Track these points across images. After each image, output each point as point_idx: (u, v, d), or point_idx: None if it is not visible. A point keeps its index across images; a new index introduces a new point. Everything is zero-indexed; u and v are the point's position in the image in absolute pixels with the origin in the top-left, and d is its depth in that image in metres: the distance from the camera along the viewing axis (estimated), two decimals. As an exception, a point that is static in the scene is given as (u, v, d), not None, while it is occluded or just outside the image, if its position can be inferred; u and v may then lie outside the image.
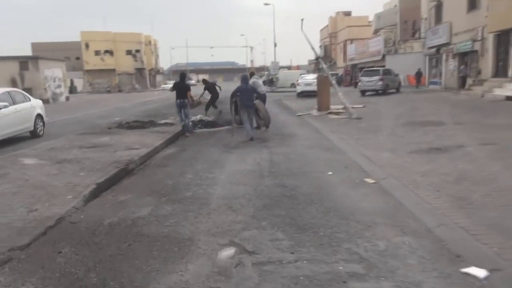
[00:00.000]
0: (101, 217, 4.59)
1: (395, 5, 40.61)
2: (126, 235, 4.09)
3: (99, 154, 7.77)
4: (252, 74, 12.69)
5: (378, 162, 6.99)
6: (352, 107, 14.77)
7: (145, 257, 3.56)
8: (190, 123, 11.85)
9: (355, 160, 7.32)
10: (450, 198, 4.76)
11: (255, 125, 10.84)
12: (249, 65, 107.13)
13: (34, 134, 12.05)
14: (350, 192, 5.39)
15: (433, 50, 27.47)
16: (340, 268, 3.27)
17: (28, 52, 56.74)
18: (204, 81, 17.25)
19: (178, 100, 11.40)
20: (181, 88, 11.45)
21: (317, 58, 19.29)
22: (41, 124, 12.65)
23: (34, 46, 62.96)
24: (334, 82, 16.32)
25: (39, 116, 12.56)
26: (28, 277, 3.21)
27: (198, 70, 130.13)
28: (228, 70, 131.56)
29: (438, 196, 4.89)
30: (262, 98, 12.16)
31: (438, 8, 26.90)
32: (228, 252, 3.61)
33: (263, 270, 3.27)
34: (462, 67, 23.03)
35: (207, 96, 16.37)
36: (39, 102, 13.52)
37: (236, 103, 10.85)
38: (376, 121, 12.45)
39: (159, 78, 79.17)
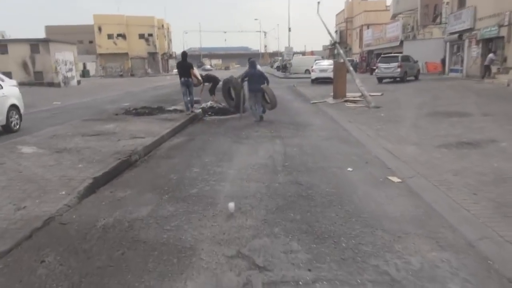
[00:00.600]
0: (95, 218, 4.12)
1: (415, -11, 39.10)
2: (121, 240, 3.61)
3: (101, 143, 7.31)
4: (251, 60, 11.91)
5: (402, 157, 6.37)
6: (370, 95, 14.05)
7: (139, 271, 3.07)
8: (194, 104, 12.18)
9: (376, 155, 6.71)
10: (491, 204, 4.15)
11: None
12: (262, 50, 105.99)
13: (7, 129, 10.01)
14: (374, 193, 4.81)
15: (455, 36, 26.23)
16: (368, 293, 2.73)
17: (42, 35, 56.63)
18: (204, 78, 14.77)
19: (183, 79, 11.54)
20: (185, 67, 11.59)
21: (334, 43, 18.50)
22: (16, 117, 10.51)
23: (48, 29, 62.84)
24: (351, 68, 15.55)
25: (13, 106, 10.39)
26: (1, 295, 2.76)
27: (211, 55, 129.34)
28: (242, 55, 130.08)
29: (476, 200, 4.29)
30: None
31: (462, -8, 25.57)
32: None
33: (275, 293, 2.75)
34: (491, 55, 21.83)
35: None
36: (15, 90, 11.43)
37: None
38: (396, 111, 11.73)
39: (171, 62, 78.52)
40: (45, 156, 6.35)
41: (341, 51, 16.96)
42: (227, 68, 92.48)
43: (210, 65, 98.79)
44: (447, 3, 28.75)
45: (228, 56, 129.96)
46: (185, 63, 11.80)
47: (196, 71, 12.60)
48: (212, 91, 14.36)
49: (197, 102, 13.41)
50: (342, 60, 16.99)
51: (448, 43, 28.61)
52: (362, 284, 2.84)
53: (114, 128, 8.94)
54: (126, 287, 2.86)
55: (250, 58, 12.18)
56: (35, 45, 29.09)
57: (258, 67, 12.06)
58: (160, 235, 3.70)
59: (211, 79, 14.25)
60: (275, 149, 7.36)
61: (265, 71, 23.78)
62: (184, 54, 12.65)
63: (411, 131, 8.61)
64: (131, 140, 7.50)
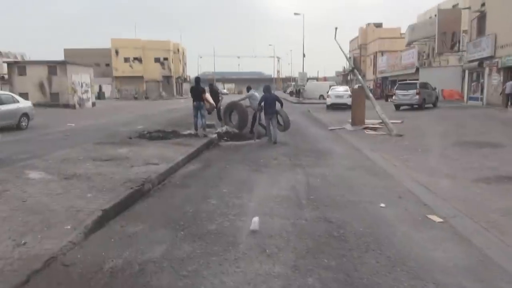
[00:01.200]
0: (102, 258, 3.64)
1: (430, 17, 38.99)
2: (130, 289, 3.12)
3: (113, 169, 6.90)
4: (249, 88, 13.49)
5: (438, 192, 5.83)
6: (391, 123, 13.54)
7: (151, 332, 2.56)
8: (207, 128, 12.71)
9: (408, 188, 6.16)
10: (559, 254, 3.57)
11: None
12: (275, 75, 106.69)
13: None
14: (415, 235, 4.26)
15: (475, 64, 25.77)
16: None
17: (61, 57, 57.84)
18: (210, 86, 15.59)
19: (195, 102, 12.38)
20: (197, 92, 12.46)
21: (352, 70, 18.16)
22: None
23: (67, 52, 64.22)
24: (370, 95, 15.12)
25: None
26: None
27: (224, 79, 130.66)
28: (255, 80, 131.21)
29: (538, 248, 3.71)
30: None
31: (481, 20, 25.27)
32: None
33: None
34: (511, 82, 21.25)
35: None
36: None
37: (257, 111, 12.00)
38: (420, 140, 11.18)
39: (186, 86, 79.37)
40: (53, 182, 5.95)
41: (360, 77, 16.60)
42: (240, 93, 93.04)
43: (224, 88, 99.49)
44: (465, 31, 28.45)
45: (241, 80, 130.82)
46: (198, 87, 12.56)
47: (208, 96, 13.04)
48: (219, 115, 14.21)
49: (211, 126, 13.44)
50: (359, 86, 16.62)
51: (467, 71, 28.14)
52: None
53: (127, 153, 8.56)
54: None
55: (265, 84, 13.61)
56: (52, 67, 29.43)
57: (253, 92, 13.24)
58: (175, 283, 3.20)
59: (214, 96, 13.88)
60: (297, 179, 6.86)
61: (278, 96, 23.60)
62: (197, 79, 13.46)
63: (442, 162, 8.06)
64: (144, 167, 7.08)
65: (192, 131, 12.25)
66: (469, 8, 27.13)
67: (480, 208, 5.01)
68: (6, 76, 36.51)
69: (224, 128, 12.89)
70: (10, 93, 16.53)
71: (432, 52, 37.35)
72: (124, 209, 5.08)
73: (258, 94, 13.06)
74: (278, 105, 11.72)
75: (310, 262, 3.58)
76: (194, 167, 7.99)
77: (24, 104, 16.01)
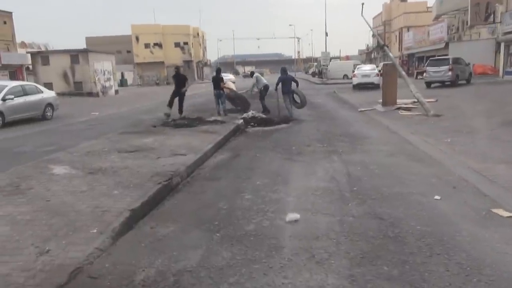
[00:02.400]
0: (133, 268, 3.26)
1: (461, -12, 36.89)
2: (165, 307, 2.72)
3: (139, 161, 6.55)
4: (252, 73, 14.43)
5: (498, 180, 5.20)
6: (427, 102, 12.72)
7: None
8: (224, 109, 13.76)
9: (462, 176, 5.56)
10: None
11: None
12: (296, 56, 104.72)
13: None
14: (483, 234, 3.70)
15: (511, 35, 24.18)
16: None
17: (83, 46, 58.28)
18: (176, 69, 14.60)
19: (215, 91, 13.69)
20: (217, 81, 13.68)
21: (382, 46, 17.21)
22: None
23: (88, 40, 64.58)
24: (403, 73, 14.25)
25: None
26: None
27: (244, 62, 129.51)
28: (275, 62, 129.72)
29: None
30: (266, 88, 13.71)
31: (519, -12, 23.55)
32: None
33: None
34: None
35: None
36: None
37: (261, 92, 13.67)
38: (462, 120, 10.39)
39: (206, 70, 78.99)
40: (77, 178, 5.63)
41: (391, 54, 15.69)
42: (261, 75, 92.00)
43: (244, 72, 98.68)
44: (500, 1, 26.66)
45: (261, 63, 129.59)
46: (218, 77, 13.86)
47: (231, 84, 15.29)
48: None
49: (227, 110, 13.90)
50: (390, 64, 15.72)
51: (502, 44, 26.49)
52: None
53: (152, 143, 8.21)
54: None
55: (282, 66, 14.46)
56: (75, 55, 29.42)
57: (257, 75, 14.51)
58: (217, 299, 2.79)
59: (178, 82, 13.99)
60: (335, 168, 6.34)
61: (300, 77, 23.35)
62: (218, 69, 14.79)
63: (492, 144, 7.35)
64: (171, 158, 6.70)
65: (218, 117, 11.89)
66: (505, -24, 25.32)
67: (553, 200, 4.39)
68: (31, 67, 37.05)
69: (250, 113, 12.40)
70: (34, 84, 16.45)
71: (462, 25, 35.46)
72: (153, 207, 4.70)
73: (262, 77, 14.58)
74: (294, 84, 13.00)
75: (368, 271, 3.10)
76: (223, 156, 7.57)
77: (48, 94, 15.88)
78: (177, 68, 14.58)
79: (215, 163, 7.02)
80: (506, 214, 4.15)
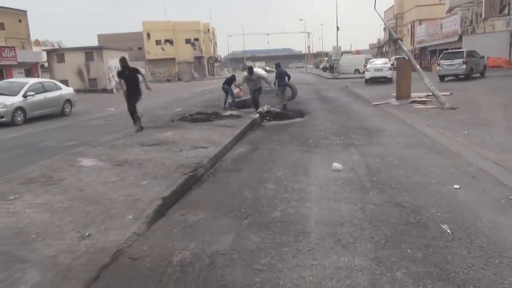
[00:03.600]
0: (169, 251, 3.47)
1: (475, -21, 36.39)
2: (205, 284, 2.92)
3: (162, 154, 6.78)
4: (251, 68, 14.02)
5: (516, 170, 5.29)
6: (442, 95, 12.73)
7: (237, 336, 2.35)
8: (230, 103, 15.05)
9: (480, 167, 5.65)
10: None
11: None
12: (306, 51, 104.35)
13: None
14: (503, 220, 3.83)
15: (527, 27, 23.85)
16: None
17: (95, 43, 58.93)
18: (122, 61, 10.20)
19: (224, 86, 15.38)
20: (229, 81, 15.67)
21: (396, 40, 17.16)
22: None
23: (100, 37, 65.25)
24: (418, 66, 14.24)
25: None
26: None
27: (254, 57, 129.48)
28: (285, 57, 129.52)
29: None
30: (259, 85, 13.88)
31: (535, -21, 23.21)
32: None
33: None
34: None
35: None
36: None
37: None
38: (477, 113, 10.41)
39: (216, 66, 79.26)
40: (106, 170, 5.87)
41: (405, 48, 15.66)
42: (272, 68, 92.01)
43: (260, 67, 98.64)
44: (516, -8, 26.29)
45: (271, 58, 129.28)
46: (231, 78, 15.96)
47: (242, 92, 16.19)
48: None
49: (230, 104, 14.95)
50: (403, 58, 15.72)
51: (518, 36, 26.14)
52: None
53: (173, 137, 8.43)
54: None
55: (277, 62, 16.07)
56: (89, 53, 29.91)
57: (256, 70, 14.79)
58: (251, 278, 2.98)
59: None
60: (354, 160, 6.47)
61: (311, 72, 24.17)
62: (233, 76, 16.49)
63: (510, 136, 7.41)
64: (193, 151, 6.91)
65: (234, 112, 12.13)
66: (520, -33, 24.96)
67: None
68: (46, 64, 37.64)
69: (265, 108, 12.57)
70: (53, 81, 16.81)
71: (476, 17, 35.02)
72: (181, 196, 4.91)
73: (261, 71, 15.47)
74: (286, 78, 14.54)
75: (393, 253, 3.26)
76: (242, 149, 7.75)
77: (66, 91, 16.29)
78: (122, 60, 9.83)
79: (235, 156, 7.21)
80: (525, 201, 4.26)
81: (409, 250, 3.31)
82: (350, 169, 5.91)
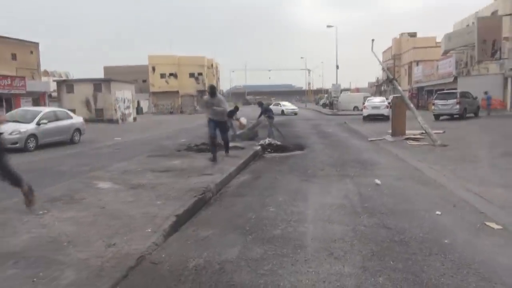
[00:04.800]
0: (185, 258, 4.01)
1: (468, 25, 38.17)
2: (216, 284, 3.45)
3: (172, 179, 7.37)
4: (213, 89, 10.01)
5: (493, 200, 5.88)
6: (435, 133, 13.46)
7: (245, 320, 2.88)
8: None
9: (462, 197, 6.24)
10: None
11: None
12: (306, 87, 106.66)
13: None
14: (476, 241, 4.39)
15: (517, 71, 25.05)
16: None
17: (101, 75, 60.64)
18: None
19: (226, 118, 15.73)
20: (230, 113, 14.80)
21: (391, 80, 18.15)
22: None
23: (106, 69, 67.18)
24: (411, 105, 15.08)
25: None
26: None
27: (255, 92, 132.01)
28: (285, 93, 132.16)
29: None
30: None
31: (523, 26, 24.61)
32: None
33: None
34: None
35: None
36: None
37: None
38: (466, 150, 11.09)
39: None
40: (122, 192, 6.45)
41: (399, 88, 16.58)
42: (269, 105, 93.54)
43: (254, 102, 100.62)
44: (506, 38, 27.75)
45: (272, 93, 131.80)
46: (231, 110, 15.27)
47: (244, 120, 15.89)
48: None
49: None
50: (399, 97, 16.59)
51: (509, 79, 27.35)
52: None
53: (180, 164, 9.05)
54: (236, 338, 2.67)
55: (260, 101, 18.88)
56: (98, 84, 31.08)
57: (220, 95, 15.29)
58: (256, 280, 3.51)
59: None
60: (348, 188, 7.07)
61: (311, 108, 25.79)
62: (236, 107, 16.45)
63: (492, 172, 8.03)
64: (200, 177, 7.51)
65: (237, 144, 12.80)
66: (510, 14, 26.50)
67: (539, 216, 5.05)
68: (53, 94, 38.79)
69: (267, 141, 13.26)
70: (65, 110, 17.60)
71: (470, 60, 36.50)
72: (192, 215, 5.47)
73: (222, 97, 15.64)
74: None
75: (377, 264, 3.80)
76: (245, 177, 8.35)
77: (76, 120, 17.05)
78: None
79: (239, 183, 7.80)
80: (497, 226, 4.82)
81: (391, 262, 3.85)
82: (344, 196, 6.49)
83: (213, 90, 9.84)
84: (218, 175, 7.66)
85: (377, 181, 7.40)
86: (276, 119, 18.41)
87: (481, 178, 7.40)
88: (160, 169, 8.53)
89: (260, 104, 17.39)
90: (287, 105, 45.22)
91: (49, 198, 6.12)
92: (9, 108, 31.13)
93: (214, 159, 9.33)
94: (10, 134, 13.27)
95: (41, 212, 5.30)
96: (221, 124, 9.85)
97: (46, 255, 3.96)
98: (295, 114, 41.79)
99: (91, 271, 3.58)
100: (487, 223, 4.93)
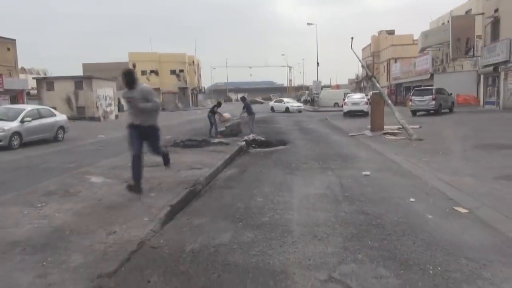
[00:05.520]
0: (182, 243, 4.35)
1: (443, 23, 39.40)
2: (213, 264, 3.81)
3: (163, 173, 7.66)
4: (130, 76, 7.43)
5: (462, 188, 6.42)
6: (411, 128, 14.09)
7: (241, 292, 3.25)
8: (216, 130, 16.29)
9: (434, 186, 6.76)
10: None
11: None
12: (287, 84, 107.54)
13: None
14: (444, 223, 4.87)
15: (490, 68, 26.14)
16: (473, 317, 2.80)
17: (79, 72, 59.75)
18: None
19: (209, 113, 16.98)
20: (212, 109, 17.18)
21: (370, 77, 18.75)
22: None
23: (85, 66, 66.22)
24: (389, 101, 15.71)
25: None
26: (123, 310, 2.98)
27: (237, 89, 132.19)
28: (266, 90, 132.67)
29: (555, 231, 4.29)
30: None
31: (495, 25, 25.72)
32: None
33: (380, 315, 2.86)
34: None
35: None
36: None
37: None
38: (440, 143, 11.73)
39: (200, 97, 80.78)
40: (115, 185, 6.72)
41: (378, 85, 17.20)
42: (253, 102, 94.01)
43: (236, 99, 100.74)
44: (479, 36, 28.85)
45: (253, 90, 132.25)
46: (213, 108, 17.32)
47: (227, 114, 18.05)
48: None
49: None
50: (377, 93, 17.21)
51: (482, 76, 28.47)
52: (464, 309, 2.91)
53: (169, 160, 9.31)
54: (234, 306, 3.03)
55: (242, 96, 19.40)
56: (79, 82, 30.80)
57: (144, 86, 16.95)
58: (248, 260, 3.88)
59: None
60: (330, 180, 7.51)
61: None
62: (218, 103, 17.97)
63: (463, 163, 8.61)
64: (190, 171, 7.83)
65: (222, 139, 13.13)
66: (482, 14, 27.59)
67: (502, 201, 5.58)
68: (31, 92, 38.16)
69: (251, 136, 13.63)
70: (48, 107, 17.51)
71: (446, 57, 37.72)
72: (184, 206, 5.80)
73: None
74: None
75: (356, 244, 4.23)
76: (232, 171, 8.71)
77: (60, 118, 17.02)
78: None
79: (226, 176, 8.15)
80: (464, 210, 5.33)
81: (369, 242, 4.28)
82: (327, 187, 6.93)
83: (130, 78, 6.10)
84: (206, 169, 8.00)
85: (366, 173, 7.91)
86: (280, 115, 18.99)
87: (452, 169, 7.96)
88: (149, 164, 8.74)
89: (243, 99, 18.03)
90: (291, 102, 42.33)
91: (44, 192, 6.34)
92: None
93: (136, 189, 5.94)
94: (-6, 132, 13.26)
95: (39, 205, 5.53)
96: (148, 131, 6.30)
97: (50, 242, 4.23)
98: (300, 112, 38.79)
99: (97, 255, 3.88)
100: (456, 208, 5.44)
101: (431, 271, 3.54)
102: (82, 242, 4.23)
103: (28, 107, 16.01)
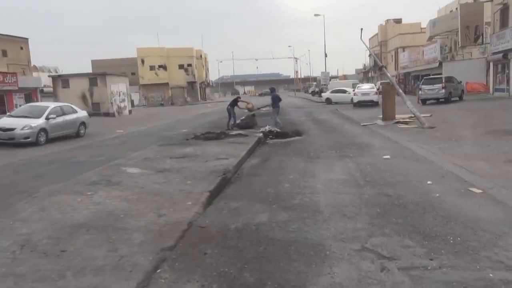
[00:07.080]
0: (225, 223, 4.87)
1: (451, 11, 39.33)
2: (258, 239, 4.32)
3: (192, 164, 8.19)
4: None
5: (476, 171, 6.85)
6: (422, 116, 14.46)
7: (287, 260, 3.76)
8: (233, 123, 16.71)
9: (449, 170, 7.21)
10: None
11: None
12: (294, 76, 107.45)
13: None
14: (461, 202, 5.34)
15: (499, 55, 26.23)
16: (491, 275, 3.28)
17: (88, 69, 60.54)
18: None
19: (229, 107, 17.15)
20: (233, 102, 17.50)
21: (381, 68, 19.08)
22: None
23: (94, 63, 66.96)
24: (400, 90, 16.06)
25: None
26: (190, 275, 3.50)
27: (244, 82, 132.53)
28: (273, 82, 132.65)
29: (563, 206, 4.74)
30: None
31: (504, 12, 25.73)
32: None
33: (410, 275, 3.35)
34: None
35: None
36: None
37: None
38: (452, 130, 12.11)
39: (208, 91, 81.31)
40: (152, 175, 7.27)
41: (389, 74, 17.54)
42: (261, 95, 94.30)
43: (244, 92, 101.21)
44: (488, 23, 28.87)
45: (260, 82, 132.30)
46: (235, 99, 17.96)
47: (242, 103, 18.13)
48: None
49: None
50: (388, 83, 17.56)
51: (491, 63, 28.54)
52: (483, 270, 3.39)
53: (194, 151, 9.86)
54: (283, 270, 3.54)
55: (271, 87, 19.35)
56: (93, 78, 31.46)
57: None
58: (288, 235, 4.40)
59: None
60: (349, 166, 7.99)
61: (300, 97, 26.42)
62: (236, 98, 18.50)
63: (475, 148, 9.03)
64: (217, 161, 8.35)
65: (240, 131, 13.64)
66: (491, 0, 27.58)
67: (513, 182, 6.03)
68: (45, 89, 38.94)
69: (267, 128, 14.12)
70: (70, 104, 18.08)
71: (455, 45, 37.70)
72: (219, 192, 6.33)
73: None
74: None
75: (382, 221, 4.72)
76: (255, 161, 9.22)
77: (81, 114, 17.60)
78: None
79: (251, 165, 8.67)
80: (478, 191, 5.78)
81: (393, 219, 4.77)
82: (347, 173, 7.42)
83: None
84: (232, 159, 8.51)
85: (386, 156, 8.53)
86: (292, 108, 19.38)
87: (465, 154, 8.39)
88: (177, 155, 9.33)
89: (272, 90, 18.36)
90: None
91: (89, 182, 6.90)
92: (1, 105, 31.41)
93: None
94: (22, 129, 13.90)
95: (89, 193, 6.09)
96: None
97: (110, 224, 4.78)
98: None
99: (154, 234, 4.42)
100: (471, 189, 5.89)
101: (451, 241, 4.02)
102: (137, 223, 4.77)
103: (52, 105, 16.63)
